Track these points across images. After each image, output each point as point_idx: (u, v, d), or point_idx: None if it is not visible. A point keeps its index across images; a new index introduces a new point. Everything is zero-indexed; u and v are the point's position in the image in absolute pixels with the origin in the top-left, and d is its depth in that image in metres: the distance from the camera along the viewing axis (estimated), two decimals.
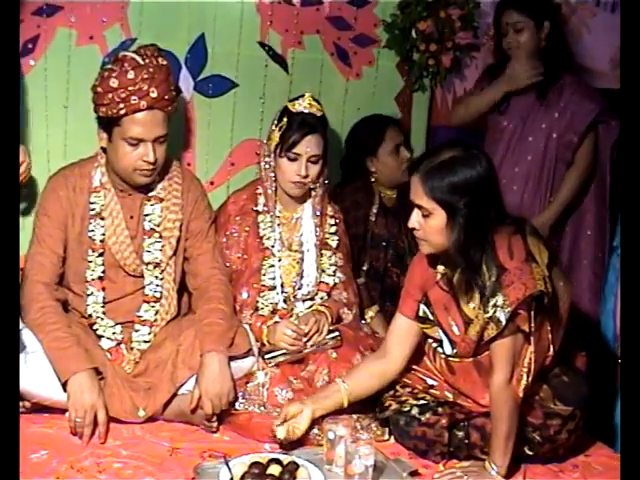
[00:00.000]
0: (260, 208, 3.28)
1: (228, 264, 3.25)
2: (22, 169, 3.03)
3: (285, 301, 3.25)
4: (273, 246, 3.26)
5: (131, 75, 2.89)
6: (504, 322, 2.59)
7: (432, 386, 2.92)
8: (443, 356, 2.85)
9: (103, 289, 3.04)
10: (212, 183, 3.68)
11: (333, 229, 3.37)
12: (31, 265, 3.00)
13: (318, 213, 3.31)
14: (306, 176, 3.19)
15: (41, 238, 3.01)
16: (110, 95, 2.88)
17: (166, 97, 2.96)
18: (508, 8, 3.65)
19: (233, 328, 3.02)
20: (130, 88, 2.87)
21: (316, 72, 3.79)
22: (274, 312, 3.23)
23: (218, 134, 3.68)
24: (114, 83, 2.88)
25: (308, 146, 3.17)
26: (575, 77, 3.81)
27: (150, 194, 3.09)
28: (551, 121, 3.72)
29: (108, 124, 2.95)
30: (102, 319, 3.03)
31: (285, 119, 3.20)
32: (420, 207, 2.62)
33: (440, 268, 2.78)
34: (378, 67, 3.92)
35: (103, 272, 3.04)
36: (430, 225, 2.62)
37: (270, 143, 3.24)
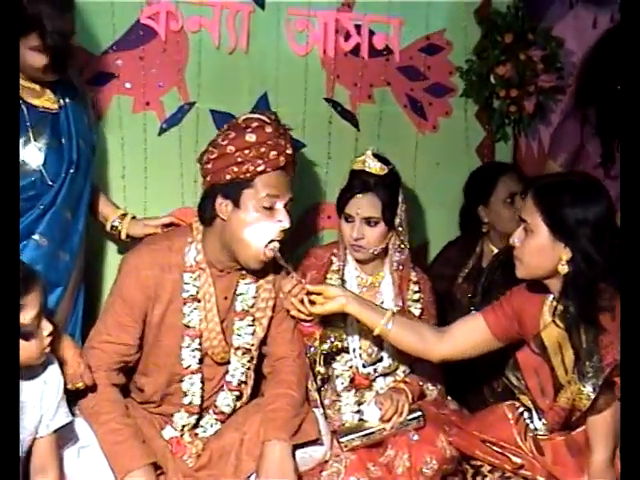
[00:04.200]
0: (334, 266, 3.17)
1: None
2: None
3: (364, 366, 3.11)
4: None
5: (269, 129, 2.74)
6: (597, 387, 2.48)
7: (522, 466, 2.76)
8: (531, 434, 2.75)
9: (202, 381, 2.88)
10: None
11: (416, 296, 3.18)
12: (93, 350, 2.78)
13: (395, 280, 3.15)
14: (358, 239, 3.04)
15: (112, 324, 2.80)
16: (246, 152, 2.70)
17: (294, 159, 2.85)
18: None
19: (300, 415, 2.86)
20: (269, 142, 2.72)
21: (388, 127, 3.70)
22: (353, 380, 3.09)
23: None
24: (251, 138, 2.71)
25: (359, 207, 3.03)
26: None
27: (244, 271, 2.90)
28: None
29: (235, 188, 2.73)
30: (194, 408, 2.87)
31: (348, 177, 3.12)
32: (525, 221, 2.58)
33: (545, 310, 2.68)
34: (455, 117, 3.84)
35: (201, 360, 2.87)
36: (529, 243, 2.57)
37: None
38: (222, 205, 2.76)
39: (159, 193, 3.33)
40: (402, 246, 3.15)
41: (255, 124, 2.75)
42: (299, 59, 3.51)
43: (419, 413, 2.99)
